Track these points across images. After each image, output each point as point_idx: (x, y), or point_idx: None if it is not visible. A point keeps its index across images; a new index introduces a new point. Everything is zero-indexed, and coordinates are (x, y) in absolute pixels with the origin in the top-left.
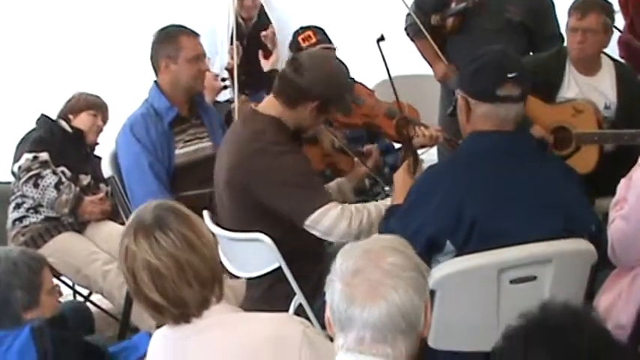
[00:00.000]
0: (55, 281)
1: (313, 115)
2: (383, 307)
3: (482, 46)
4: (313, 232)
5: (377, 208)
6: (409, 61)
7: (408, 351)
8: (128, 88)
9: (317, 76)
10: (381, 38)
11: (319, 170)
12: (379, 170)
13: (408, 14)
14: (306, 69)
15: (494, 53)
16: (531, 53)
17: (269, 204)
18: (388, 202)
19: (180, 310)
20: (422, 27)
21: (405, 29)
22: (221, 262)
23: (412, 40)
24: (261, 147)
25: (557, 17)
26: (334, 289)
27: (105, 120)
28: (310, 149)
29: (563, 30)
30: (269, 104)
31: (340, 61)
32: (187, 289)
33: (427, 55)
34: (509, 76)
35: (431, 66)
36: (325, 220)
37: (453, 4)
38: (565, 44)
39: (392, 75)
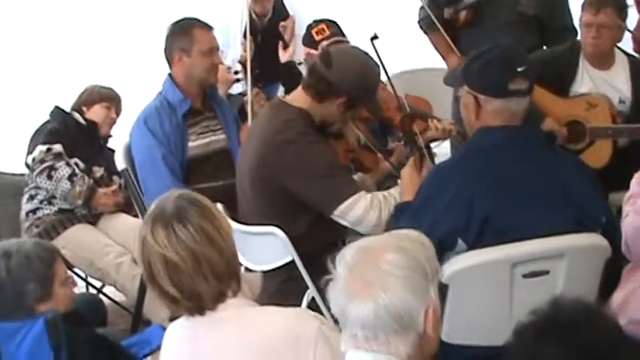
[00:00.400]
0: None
1: (340, 111)
2: (371, 306)
3: (495, 39)
4: (342, 222)
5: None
6: (420, 54)
7: (409, 350)
8: (142, 81)
9: (347, 72)
10: (375, 37)
11: (343, 165)
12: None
13: (421, 7)
14: (337, 64)
15: (501, 48)
16: (544, 47)
17: (297, 194)
18: None
19: (195, 303)
20: (435, 20)
21: (418, 22)
22: None
23: (425, 32)
24: (290, 137)
25: (570, 9)
26: (335, 282)
27: (118, 112)
28: (335, 144)
29: (576, 23)
30: (298, 96)
31: (374, 61)
32: (203, 283)
33: (440, 48)
34: (519, 70)
35: (444, 59)
36: (355, 211)
37: None
38: (578, 38)
39: (402, 69)
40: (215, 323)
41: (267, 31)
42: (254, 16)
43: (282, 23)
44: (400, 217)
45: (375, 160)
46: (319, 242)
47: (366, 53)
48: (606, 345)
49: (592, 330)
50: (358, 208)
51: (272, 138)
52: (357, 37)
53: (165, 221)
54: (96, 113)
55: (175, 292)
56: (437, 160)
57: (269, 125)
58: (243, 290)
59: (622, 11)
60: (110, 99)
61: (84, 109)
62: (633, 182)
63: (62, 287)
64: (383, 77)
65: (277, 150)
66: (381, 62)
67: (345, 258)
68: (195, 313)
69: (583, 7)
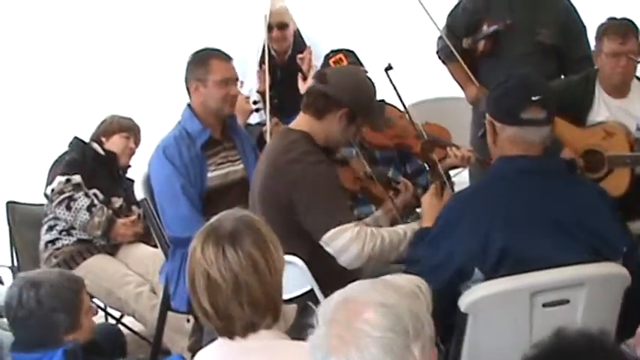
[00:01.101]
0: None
1: (342, 126)
2: None
3: (513, 69)
4: (328, 249)
5: (390, 234)
6: (440, 84)
7: None
8: (161, 111)
9: (342, 83)
10: (389, 67)
11: (352, 191)
12: (408, 208)
13: (439, 38)
14: (332, 79)
15: (518, 77)
16: (562, 76)
17: (298, 214)
18: (401, 227)
19: (225, 325)
20: (454, 50)
21: (437, 52)
22: None
23: (444, 63)
24: (294, 156)
25: (589, 39)
26: (314, 335)
27: (137, 142)
28: (342, 169)
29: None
30: (299, 120)
31: (369, 78)
32: (238, 308)
33: (459, 78)
34: (534, 99)
35: (463, 89)
36: (340, 240)
37: (485, 27)
38: (596, 67)
39: (423, 98)
40: (244, 352)
41: (286, 67)
42: (274, 53)
43: (299, 56)
44: (418, 244)
45: (384, 191)
46: (324, 272)
47: (361, 69)
48: None
49: (595, 358)
50: (343, 238)
51: (277, 159)
52: (373, 67)
53: (218, 239)
54: (115, 144)
55: (210, 308)
56: (456, 189)
57: (274, 149)
58: (278, 322)
59: (637, 36)
60: (129, 129)
61: (103, 139)
62: None
63: (86, 317)
64: (399, 105)
65: (283, 168)
66: (397, 92)
67: (325, 310)
68: (225, 335)
69: (601, 36)
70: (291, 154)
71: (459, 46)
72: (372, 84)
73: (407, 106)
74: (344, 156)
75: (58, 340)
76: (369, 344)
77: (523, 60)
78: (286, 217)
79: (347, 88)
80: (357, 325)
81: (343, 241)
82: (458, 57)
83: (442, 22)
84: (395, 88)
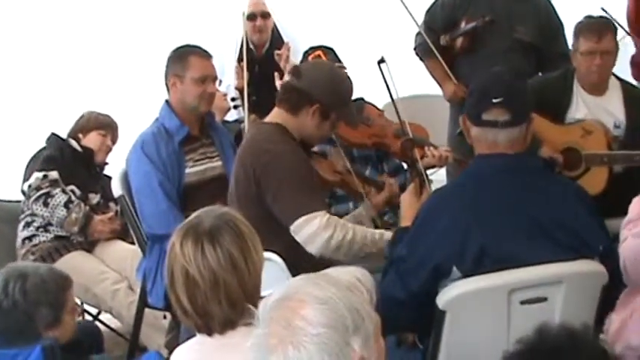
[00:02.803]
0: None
1: (316, 122)
2: None
3: (491, 66)
4: (297, 237)
5: (363, 232)
6: (418, 81)
7: None
8: (139, 108)
9: (316, 78)
10: (382, 60)
11: (332, 183)
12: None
13: (418, 34)
14: (306, 73)
15: (485, 76)
16: (540, 73)
17: (268, 201)
18: (378, 231)
19: (204, 322)
20: (432, 46)
21: (415, 49)
22: None
23: (421, 59)
24: (266, 145)
25: (566, 37)
26: (254, 335)
27: (114, 140)
28: (321, 161)
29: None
30: (273, 114)
31: (345, 75)
32: (216, 306)
33: (436, 75)
34: (495, 101)
35: (440, 85)
36: (309, 228)
37: (463, 24)
38: (573, 64)
39: (400, 95)
40: (222, 349)
41: (264, 62)
42: (252, 46)
43: (276, 52)
44: (397, 243)
45: (367, 189)
46: (299, 266)
47: (335, 65)
48: None
49: (577, 356)
50: (312, 226)
51: (249, 147)
52: (351, 63)
53: (197, 236)
54: (92, 140)
55: (188, 304)
56: (433, 187)
57: (247, 140)
58: None
59: (615, 34)
60: (107, 126)
61: (80, 135)
62: (632, 207)
63: (69, 315)
64: (388, 100)
65: (254, 155)
66: (387, 86)
67: (264, 309)
68: (203, 331)
69: (577, 35)
70: (263, 143)
71: (437, 42)
72: (349, 80)
73: (382, 106)
74: (323, 150)
75: (37, 334)
76: (305, 342)
77: (501, 57)
78: (259, 208)
79: (320, 84)
80: (295, 323)
81: (312, 229)
82: (436, 53)
83: (421, 18)
84: (386, 81)
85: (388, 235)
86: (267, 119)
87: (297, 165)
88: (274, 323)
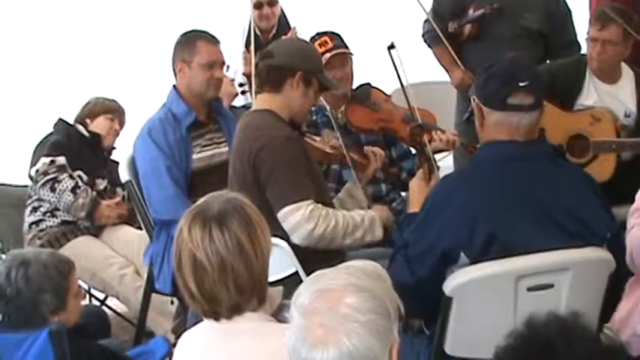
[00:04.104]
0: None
1: (300, 92)
2: (334, 354)
3: (498, 54)
4: (283, 226)
5: (346, 219)
6: (425, 67)
7: None
8: (146, 93)
9: (288, 50)
10: (392, 46)
11: (329, 156)
12: (387, 176)
13: (425, 21)
14: (276, 49)
15: (506, 61)
16: (548, 60)
17: (263, 187)
18: (359, 214)
19: (211, 307)
20: (440, 33)
21: (423, 36)
22: None
23: (429, 46)
24: (259, 134)
25: (574, 24)
26: (292, 330)
27: (122, 124)
28: (314, 140)
29: (581, 37)
30: (259, 101)
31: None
32: (224, 291)
33: (444, 62)
34: (521, 84)
35: (448, 72)
36: (292, 218)
37: (471, 11)
38: (584, 51)
39: (408, 82)
40: (230, 335)
41: None
42: (258, 32)
43: (283, 38)
44: (405, 229)
45: (363, 162)
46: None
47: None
48: (585, 355)
49: (569, 345)
50: (297, 216)
51: (243, 136)
52: (359, 50)
53: (205, 221)
54: (99, 125)
55: (196, 289)
56: (441, 174)
57: (241, 130)
58: (264, 305)
59: (629, 27)
60: (114, 111)
61: (87, 121)
62: (639, 195)
63: (74, 299)
64: (395, 87)
65: (248, 144)
66: (397, 72)
67: (302, 303)
68: (210, 316)
69: (590, 21)
70: (255, 131)
71: (444, 30)
72: (316, 47)
73: (390, 91)
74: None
75: (43, 319)
76: (357, 329)
77: (509, 44)
78: (257, 195)
79: (294, 53)
80: (341, 311)
81: (296, 220)
82: (444, 40)
83: (429, 5)
84: (395, 67)
85: (371, 214)
86: (255, 107)
87: (288, 151)
88: (318, 314)
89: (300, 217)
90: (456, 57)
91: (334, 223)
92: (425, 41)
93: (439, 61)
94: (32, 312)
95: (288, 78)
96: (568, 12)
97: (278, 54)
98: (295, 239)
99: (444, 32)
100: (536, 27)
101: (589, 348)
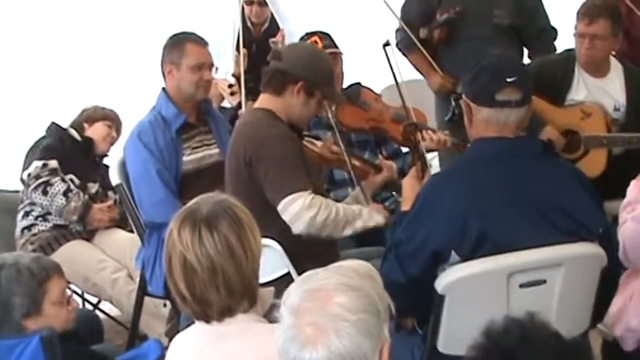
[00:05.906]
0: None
1: (301, 100)
2: (324, 354)
3: (476, 55)
4: (283, 217)
5: (345, 209)
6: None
7: None
8: (135, 95)
9: (296, 56)
10: (387, 43)
11: (329, 161)
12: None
13: (397, 30)
14: (286, 54)
15: (493, 58)
16: (525, 50)
17: (259, 181)
18: (357, 206)
19: (202, 309)
20: (415, 39)
21: (397, 45)
22: None
23: (404, 55)
24: (256, 131)
25: (546, 10)
26: (282, 329)
27: (118, 133)
28: (315, 144)
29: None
30: (260, 100)
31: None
32: (214, 293)
33: (422, 68)
34: (509, 80)
35: (426, 78)
36: (294, 207)
37: (438, 16)
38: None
39: (399, 80)
40: (221, 337)
41: (262, 43)
42: (249, 24)
43: (272, 39)
44: (397, 227)
45: (364, 169)
46: (296, 251)
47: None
48: (550, 356)
49: (531, 347)
50: (297, 205)
51: (240, 134)
52: (348, 49)
53: (195, 223)
54: (97, 130)
55: (186, 292)
56: (431, 172)
57: (239, 126)
58: (255, 306)
59: (616, 20)
60: (112, 119)
61: (85, 125)
62: (630, 189)
63: (56, 306)
64: (391, 84)
65: (245, 142)
66: (392, 70)
67: (292, 302)
68: (202, 318)
69: (577, 15)
70: (252, 128)
71: (417, 36)
72: (329, 59)
73: (380, 90)
74: (317, 135)
75: (17, 324)
76: (347, 328)
77: (482, 44)
78: (253, 194)
79: (302, 62)
80: (332, 310)
81: (296, 209)
82: (419, 45)
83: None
84: (390, 65)
85: (367, 208)
86: (255, 106)
87: (285, 146)
88: (308, 313)
89: (300, 206)
90: (433, 62)
91: (335, 212)
92: (400, 50)
93: (416, 68)
94: (5, 316)
95: (290, 85)
96: (538, 1)
97: (286, 59)
98: (297, 228)
99: (417, 39)
100: (507, 22)
101: (551, 345)
